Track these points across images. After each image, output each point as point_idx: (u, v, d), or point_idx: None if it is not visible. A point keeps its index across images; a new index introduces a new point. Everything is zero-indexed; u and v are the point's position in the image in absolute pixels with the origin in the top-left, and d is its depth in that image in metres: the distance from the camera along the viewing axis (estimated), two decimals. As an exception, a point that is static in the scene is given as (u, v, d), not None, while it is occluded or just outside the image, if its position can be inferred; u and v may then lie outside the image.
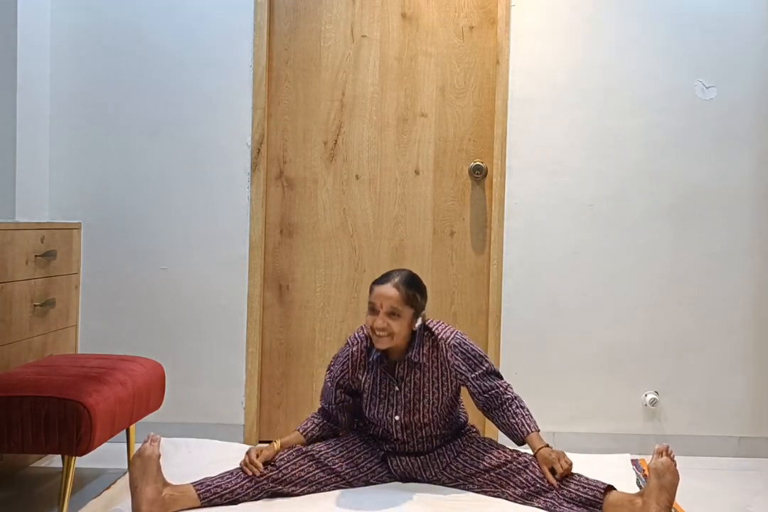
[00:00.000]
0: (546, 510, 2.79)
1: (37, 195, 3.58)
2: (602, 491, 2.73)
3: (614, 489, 2.77)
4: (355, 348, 3.00)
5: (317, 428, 3.05)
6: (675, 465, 2.68)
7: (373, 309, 2.87)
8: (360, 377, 3.00)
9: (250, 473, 2.83)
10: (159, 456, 2.71)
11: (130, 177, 3.69)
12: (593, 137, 3.69)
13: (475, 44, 3.75)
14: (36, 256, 3.25)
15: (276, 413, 3.77)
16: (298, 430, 3.05)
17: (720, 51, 3.66)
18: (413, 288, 2.88)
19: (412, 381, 2.95)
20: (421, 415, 2.96)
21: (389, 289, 2.85)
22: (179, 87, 3.69)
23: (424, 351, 2.94)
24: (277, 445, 2.94)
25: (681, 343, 3.69)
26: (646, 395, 3.68)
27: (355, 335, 3.04)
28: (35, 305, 3.24)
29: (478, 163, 3.72)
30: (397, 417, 2.96)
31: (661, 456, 2.69)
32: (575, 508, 2.74)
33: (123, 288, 3.69)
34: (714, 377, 3.68)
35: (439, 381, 2.95)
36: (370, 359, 2.98)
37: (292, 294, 3.77)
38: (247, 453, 2.88)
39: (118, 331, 3.69)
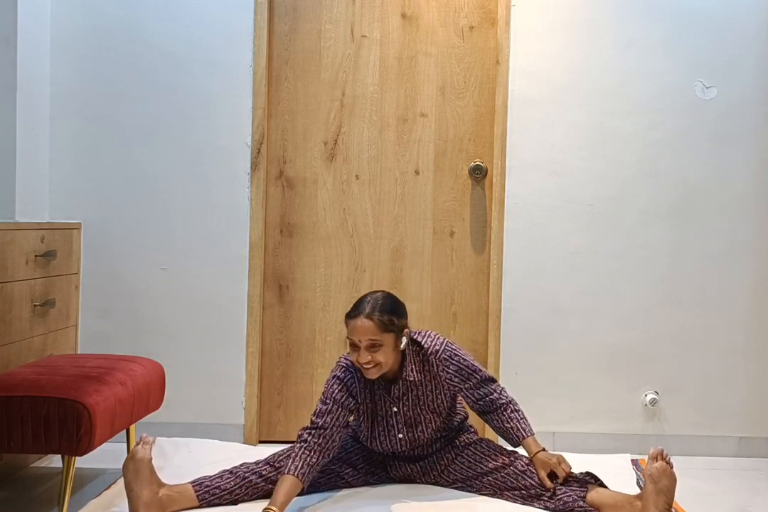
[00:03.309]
0: (545, 510, 2.79)
1: (37, 195, 3.58)
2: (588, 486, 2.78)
3: (604, 485, 2.79)
4: (348, 377, 2.88)
5: (310, 468, 2.72)
6: (671, 467, 2.66)
7: (353, 345, 2.77)
8: (357, 400, 2.89)
9: None
10: (150, 459, 2.69)
11: (130, 177, 3.69)
12: (593, 137, 3.68)
13: (475, 44, 3.75)
14: (36, 255, 3.25)
15: (276, 413, 3.77)
16: (292, 474, 2.67)
17: (720, 51, 3.66)
18: (387, 313, 2.76)
19: (410, 399, 2.90)
20: (424, 427, 2.94)
21: (363, 322, 2.72)
22: (179, 87, 3.68)
23: (417, 368, 2.88)
24: None
25: (681, 343, 3.69)
26: (646, 395, 3.68)
27: (343, 361, 2.92)
28: (35, 305, 3.24)
29: (478, 163, 3.72)
30: (400, 435, 2.93)
31: (656, 461, 2.66)
32: (572, 502, 2.76)
33: (123, 289, 3.69)
34: (714, 377, 3.68)
35: (433, 394, 2.91)
36: (362, 383, 2.88)
37: (292, 294, 3.77)
38: None
39: (118, 331, 3.69)
